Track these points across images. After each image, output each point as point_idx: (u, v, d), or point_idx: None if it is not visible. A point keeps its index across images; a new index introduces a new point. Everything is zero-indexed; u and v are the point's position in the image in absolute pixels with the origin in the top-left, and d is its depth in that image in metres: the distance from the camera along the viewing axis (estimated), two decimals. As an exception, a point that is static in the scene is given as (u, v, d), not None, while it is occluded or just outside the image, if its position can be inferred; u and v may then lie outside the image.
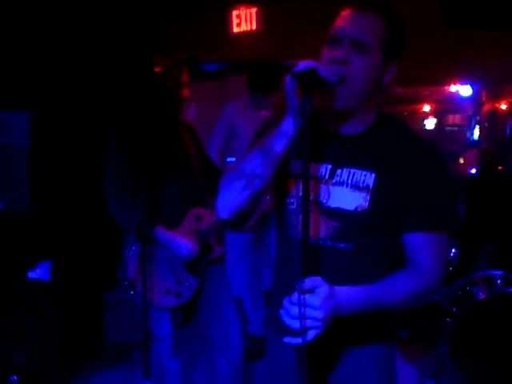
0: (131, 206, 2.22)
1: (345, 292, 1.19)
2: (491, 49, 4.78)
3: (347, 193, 1.29)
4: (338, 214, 1.30)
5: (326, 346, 1.27)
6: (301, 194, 1.18)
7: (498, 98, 7.87)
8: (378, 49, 1.28)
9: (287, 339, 1.19)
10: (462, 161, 7.93)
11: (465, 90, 6.65)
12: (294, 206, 1.34)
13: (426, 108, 9.73)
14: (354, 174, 1.30)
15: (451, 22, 4.56)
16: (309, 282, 1.15)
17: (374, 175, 1.29)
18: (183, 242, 2.37)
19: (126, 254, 2.33)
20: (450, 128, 10.08)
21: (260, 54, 3.80)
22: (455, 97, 7.39)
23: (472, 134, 9.34)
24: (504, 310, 2.92)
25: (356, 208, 1.28)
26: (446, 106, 9.35)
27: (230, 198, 1.36)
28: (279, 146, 1.27)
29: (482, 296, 2.97)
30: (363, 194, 1.28)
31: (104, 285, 3.40)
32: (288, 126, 1.25)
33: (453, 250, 3.55)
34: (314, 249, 1.29)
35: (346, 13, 1.30)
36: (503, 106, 7.78)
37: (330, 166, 1.33)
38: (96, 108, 3.81)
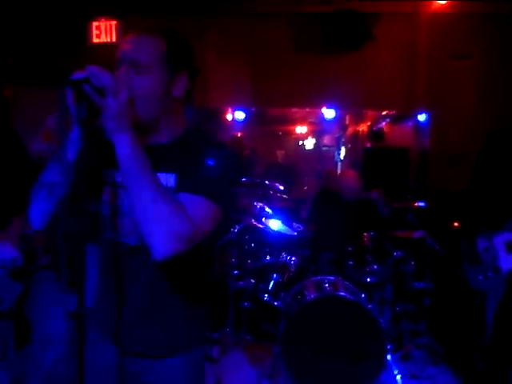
0: None
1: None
2: (354, 75, 5.16)
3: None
4: None
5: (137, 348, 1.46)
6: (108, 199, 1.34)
7: (359, 121, 8.51)
8: (159, 65, 1.39)
9: None
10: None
11: (329, 113, 7.12)
12: (106, 211, 1.46)
13: (303, 129, 10.31)
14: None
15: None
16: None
17: (174, 176, 1.41)
18: (6, 248, 2.34)
19: None
20: (325, 148, 10.75)
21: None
22: (325, 119, 7.84)
23: (339, 154, 10.01)
24: (328, 311, 3.19)
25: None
26: (320, 128, 9.92)
27: (36, 209, 1.42)
28: (71, 154, 1.35)
29: (309, 298, 3.22)
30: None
31: None
32: (74, 134, 1.34)
33: (293, 258, 3.81)
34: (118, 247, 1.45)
35: (127, 37, 1.42)
36: (364, 129, 8.44)
37: None
38: None
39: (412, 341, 3.78)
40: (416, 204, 3.78)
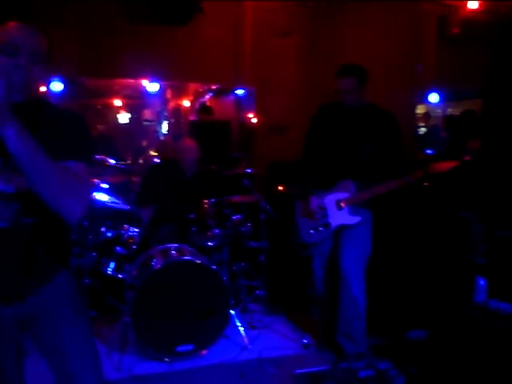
0: None
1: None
2: (182, 48, 5.18)
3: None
4: (19, 195, 1.51)
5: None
6: None
7: (181, 95, 8.62)
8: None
9: None
10: (152, 153, 8.40)
11: (152, 87, 7.06)
12: None
13: (118, 102, 10.02)
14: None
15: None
16: None
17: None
18: None
19: None
20: (146, 123, 10.61)
21: None
22: (145, 93, 7.75)
23: (161, 129, 10.03)
24: (176, 276, 3.33)
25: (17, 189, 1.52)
26: (139, 102, 9.75)
27: None
28: None
29: (157, 266, 3.32)
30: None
31: None
32: None
33: (136, 230, 3.84)
34: None
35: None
36: (186, 103, 8.58)
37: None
38: None
39: (249, 295, 4.15)
40: (244, 171, 4.11)
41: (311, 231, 3.31)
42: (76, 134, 1.58)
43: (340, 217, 3.24)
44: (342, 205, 3.23)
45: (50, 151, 1.41)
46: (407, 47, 4.85)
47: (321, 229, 3.29)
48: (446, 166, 3.00)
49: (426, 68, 4.88)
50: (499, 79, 2.24)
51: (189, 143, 4.09)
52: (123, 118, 10.51)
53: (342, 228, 3.25)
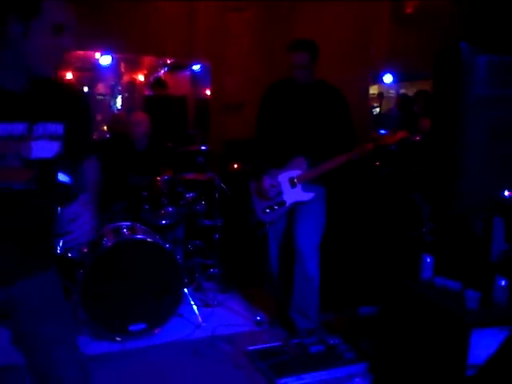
0: None
1: None
2: (125, 19, 5.00)
3: (47, 144, 1.50)
4: (39, 162, 1.52)
5: None
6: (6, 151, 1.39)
7: (135, 69, 8.41)
8: None
9: None
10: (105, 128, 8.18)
11: (105, 60, 6.84)
12: None
13: (69, 75, 9.68)
14: (46, 126, 1.49)
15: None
16: None
17: (61, 125, 1.55)
18: None
19: None
20: (100, 97, 10.31)
21: None
22: (98, 66, 7.52)
23: (115, 103, 9.78)
24: (128, 254, 3.29)
25: (53, 155, 1.54)
26: (92, 75, 9.44)
27: None
28: None
29: (108, 244, 3.26)
30: (57, 143, 1.53)
31: None
32: None
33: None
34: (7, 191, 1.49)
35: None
36: (141, 78, 8.37)
37: (23, 124, 1.45)
38: None
39: (203, 274, 4.15)
40: (200, 148, 4.05)
41: (267, 210, 3.32)
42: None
43: (294, 194, 3.26)
44: (295, 182, 3.25)
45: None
46: (360, 27, 4.86)
47: (276, 207, 3.30)
48: (394, 137, 3.10)
49: (379, 48, 4.91)
50: (448, 58, 2.28)
51: (139, 116, 4.01)
52: (79, 91, 10.15)
53: (297, 205, 3.28)
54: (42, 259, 1.69)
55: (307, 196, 3.24)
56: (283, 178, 3.28)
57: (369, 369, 2.97)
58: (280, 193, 3.29)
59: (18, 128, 1.44)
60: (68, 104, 1.58)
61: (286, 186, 3.28)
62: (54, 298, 1.72)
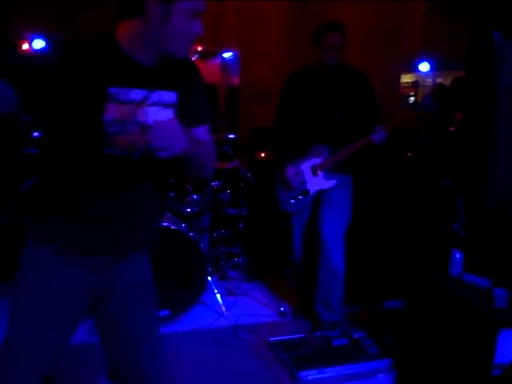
0: None
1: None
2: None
3: (161, 111, 1.53)
4: None
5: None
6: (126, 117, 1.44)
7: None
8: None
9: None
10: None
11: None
12: (116, 128, 1.47)
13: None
14: (162, 94, 1.54)
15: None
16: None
17: (175, 94, 1.58)
18: None
19: None
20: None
21: None
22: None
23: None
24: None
25: None
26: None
27: None
28: None
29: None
30: (171, 110, 1.56)
31: None
32: None
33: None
34: (127, 159, 1.51)
35: None
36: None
37: (143, 91, 1.50)
38: None
39: (228, 262, 4.14)
40: (227, 136, 4.02)
41: (291, 201, 3.27)
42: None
43: (317, 182, 3.21)
44: (317, 170, 3.20)
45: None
46: (392, 13, 4.72)
47: (300, 197, 3.25)
48: (409, 116, 3.02)
49: (412, 36, 4.76)
50: (481, 47, 2.17)
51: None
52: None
53: (321, 194, 3.22)
54: (145, 239, 1.69)
55: (329, 183, 3.18)
56: (305, 166, 3.23)
57: (393, 365, 2.90)
58: (303, 182, 3.23)
59: (138, 94, 1.49)
60: (183, 75, 1.61)
61: (308, 175, 3.23)
62: (146, 285, 1.72)
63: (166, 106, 1.56)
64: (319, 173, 3.21)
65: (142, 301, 1.70)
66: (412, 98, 8.03)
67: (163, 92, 1.55)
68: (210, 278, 3.65)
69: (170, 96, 1.57)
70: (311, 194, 3.23)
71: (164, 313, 3.32)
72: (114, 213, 1.55)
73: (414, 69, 6.62)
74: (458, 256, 2.68)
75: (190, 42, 1.52)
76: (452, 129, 4.20)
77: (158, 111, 1.54)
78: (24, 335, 1.55)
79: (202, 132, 1.67)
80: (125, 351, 1.68)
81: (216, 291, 3.67)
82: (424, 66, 6.61)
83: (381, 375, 2.86)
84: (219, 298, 3.62)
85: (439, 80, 8.52)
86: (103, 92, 1.45)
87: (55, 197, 1.54)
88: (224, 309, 3.54)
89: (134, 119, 1.49)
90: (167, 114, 1.56)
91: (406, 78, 6.84)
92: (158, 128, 1.37)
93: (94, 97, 1.44)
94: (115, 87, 1.46)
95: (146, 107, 1.51)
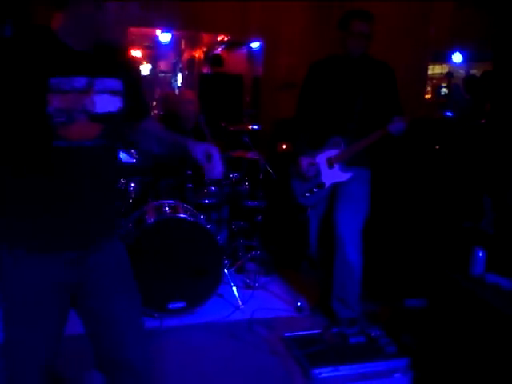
0: None
1: None
2: None
3: (108, 98, 1.52)
4: (105, 117, 1.53)
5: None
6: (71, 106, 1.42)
7: (194, 47, 8.40)
8: None
9: None
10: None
11: (164, 37, 6.88)
12: (63, 118, 1.44)
13: (137, 53, 9.84)
14: (105, 81, 1.52)
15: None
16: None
17: (120, 82, 1.58)
18: None
19: None
20: (162, 74, 10.44)
21: None
22: (159, 43, 7.58)
23: (176, 80, 9.86)
24: (169, 233, 3.27)
25: (117, 109, 1.56)
26: (155, 53, 9.57)
27: None
28: None
29: (149, 221, 3.26)
30: (118, 98, 1.56)
31: None
32: None
33: (132, 185, 3.77)
34: (79, 149, 1.50)
35: None
36: (200, 55, 8.34)
37: (85, 78, 1.48)
38: None
39: (246, 255, 4.09)
40: (250, 127, 3.96)
41: (307, 194, 3.20)
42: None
43: (332, 175, 3.13)
44: (333, 162, 3.11)
45: None
46: (420, 3, 4.55)
47: (315, 190, 3.17)
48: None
49: (440, 26, 4.58)
50: (507, 39, 2.05)
51: (190, 95, 3.96)
52: (144, 69, 10.38)
53: (337, 187, 3.13)
54: (110, 225, 1.68)
55: (345, 176, 3.09)
56: (321, 158, 3.14)
57: (410, 365, 2.81)
58: (318, 173, 3.15)
59: (80, 81, 1.47)
60: (123, 65, 1.64)
61: (323, 167, 3.14)
62: (124, 273, 1.70)
63: (113, 93, 1.55)
64: (335, 165, 3.12)
65: (121, 288, 1.67)
66: (444, 90, 7.81)
67: (106, 79, 1.53)
68: (226, 271, 3.61)
69: (115, 83, 1.56)
70: (326, 186, 3.15)
71: (180, 304, 3.31)
72: (73, 205, 1.53)
73: (445, 59, 6.41)
74: (480, 255, 2.57)
75: (123, 29, 1.55)
76: (483, 121, 4.04)
77: (105, 99, 1.52)
78: (17, 338, 1.56)
79: (151, 121, 1.81)
80: (108, 340, 1.66)
81: (232, 284, 3.63)
82: (457, 57, 6.41)
83: (397, 375, 2.77)
84: (235, 291, 3.59)
85: (473, 71, 8.25)
86: (44, 83, 1.42)
87: (12, 196, 1.52)
88: (240, 302, 3.50)
89: (81, 108, 1.47)
90: (115, 102, 1.55)
91: (438, 69, 6.64)
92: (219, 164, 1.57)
93: (35, 89, 1.41)
94: (56, 77, 1.43)
95: (92, 95, 1.49)
